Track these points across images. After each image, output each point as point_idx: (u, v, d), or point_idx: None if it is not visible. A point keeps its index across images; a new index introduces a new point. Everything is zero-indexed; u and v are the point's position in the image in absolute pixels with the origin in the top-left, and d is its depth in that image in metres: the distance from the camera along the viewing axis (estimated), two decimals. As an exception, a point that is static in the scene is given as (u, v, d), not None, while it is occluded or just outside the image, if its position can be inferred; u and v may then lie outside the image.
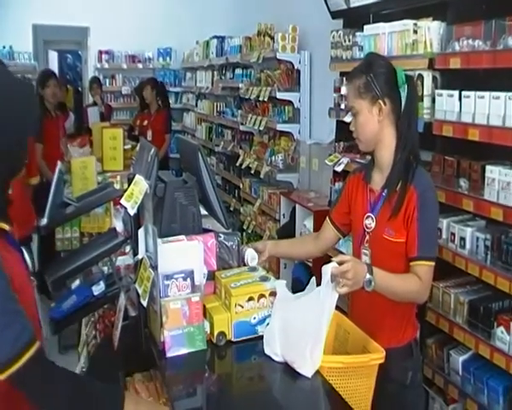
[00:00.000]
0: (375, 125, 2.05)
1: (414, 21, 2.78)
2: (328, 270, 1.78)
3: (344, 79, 3.57)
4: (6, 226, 1.53)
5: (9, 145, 1.51)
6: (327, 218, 2.35)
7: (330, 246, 2.40)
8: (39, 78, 6.03)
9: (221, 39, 7.11)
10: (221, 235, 2.21)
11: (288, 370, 1.77)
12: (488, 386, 2.47)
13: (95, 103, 7.71)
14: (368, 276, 1.84)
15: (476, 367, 2.56)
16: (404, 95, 2.04)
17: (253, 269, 2.15)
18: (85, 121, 7.15)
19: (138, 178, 2.00)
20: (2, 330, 1.38)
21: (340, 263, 1.79)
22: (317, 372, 1.75)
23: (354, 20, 3.60)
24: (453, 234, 2.59)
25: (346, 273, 1.76)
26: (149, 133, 6.83)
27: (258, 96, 5.23)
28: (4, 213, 1.56)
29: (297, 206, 4.35)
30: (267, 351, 1.83)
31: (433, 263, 2.00)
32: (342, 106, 3.53)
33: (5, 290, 1.41)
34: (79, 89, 11.94)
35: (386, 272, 1.94)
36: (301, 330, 1.77)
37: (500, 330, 2.36)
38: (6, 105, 1.50)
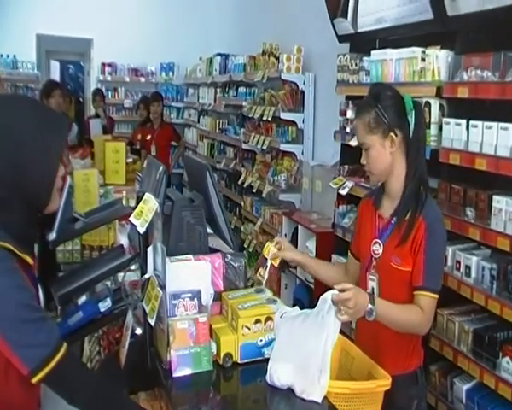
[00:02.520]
0: (388, 158, 2.04)
1: (422, 49, 2.81)
2: (327, 297, 1.78)
3: (350, 102, 3.61)
4: (30, 260, 1.57)
5: (38, 181, 1.55)
6: (349, 253, 2.36)
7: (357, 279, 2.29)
8: (44, 88, 6.04)
9: (225, 57, 7.16)
10: (228, 255, 2.21)
11: (294, 394, 1.76)
12: (493, 416, 2.46)
13: (97, 115, 7.73)
14: (369, 306, 1.83)
15: (481, 397, 2.54)
16: (412, 121, 2.03)
17: (260, 291, 2.15)
18: (87, 133, 7.17)
19: (148, 196, 2.00)
20: (33, 337, 1.47)
21: (342, 291, 1.78)
22: (324, 398, 1.75)
23: (361, 44, 3.62)
24: (458, 262, 2.59)
25: (348, 302, 1.76)
26: (153, 148, 6.84)
27: (261, 116, 5.25)
28: (31, 247, 1.62)
29: (299, 227, 4.35)
30: (271, 381, 1.81)
31: (436, 296, 1.99)
32: (348, 129, 3.55)
33: (30, 301, 1.50)
34: (80, 100, 11.98)
35: (388, 303, 1.93)
36: (307, 357, 1.76)
37: (506, 361, 2.35)
38: (37, 141, 1.53)
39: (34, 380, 1.46)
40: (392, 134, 2.01)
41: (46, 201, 1.60)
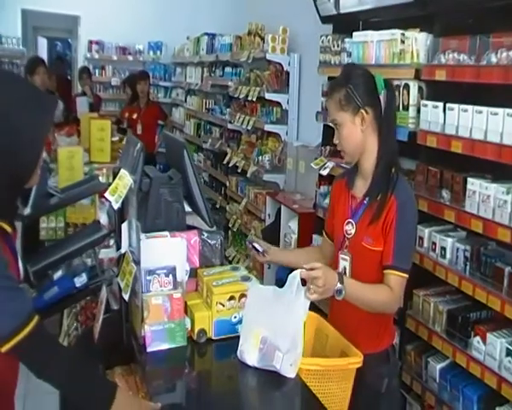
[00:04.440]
0: (359, 136, 2.06)
1: (402, 31, 2.80)
2: (296, 275, 1.80)
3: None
4: (8, 228, 1.60)
5: (24, 161, 1.56)
6: (323, 234, 2.37)
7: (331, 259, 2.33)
8: (28, 64, 5.98)
9: (212, 36, 7.11)
10: (204, 233, 2.23)
11: (267, 370, 1.79)
12: (463, 394, 2.50)
13: (84, 93, 7.67)
14: (339, 285, 1.85)
15: (453, 375, 2.59)
16: (382, 100, 2.05)
17: (236, 268, 2.17)
18: (74, 111, 7.11)
19: (123, 172, 2.01)
20: (4, 304, 1.48)
21: (311, 270, 1.80)
22: (296, 374, 1.78)
23: (344, 25, 3.61)
24: (434, 243, 2.62)
25: (317, 280, 1.78)
26: (139, 127, 6.82)
27: (246, 96, 5.24)
28: (11, 216, 1.64)
29: (282, 207, 4.37)
30: (243, 359, 1.84)
31: (406, 275, 2.01)
32: (330, 110, 3.56)
33: (4, 270, 1.51)
34: (69, 77, 11.85)
35: (357, 282, 1.96)
36: (278, 335, 1.79)
37: (476, 340, 2.39)
38: (26, 122, 1.54)
39: (3, 349, 1.47)
40: (362, 111, 2.03)
41: (29, 177, 1.62)
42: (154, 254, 1.94)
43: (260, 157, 5.12)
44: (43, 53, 11.44)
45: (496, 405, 2.34)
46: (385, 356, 2.16)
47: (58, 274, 2.20)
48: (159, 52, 9.51)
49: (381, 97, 2.05)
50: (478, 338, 2.39)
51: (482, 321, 2.49)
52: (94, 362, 1.90)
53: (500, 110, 2.19)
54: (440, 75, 2.51)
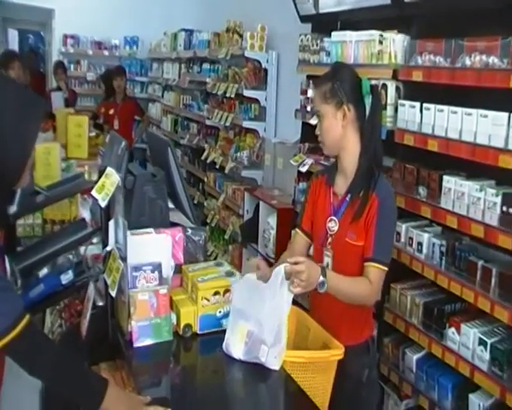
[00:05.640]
0: (339, 130, 2.13)
1: (380, 32, 2.87)
2: (280, 270, 1.85)
3: (311, 82, 3.67)
4: None
5: (14, 164, 1.59)
6: (296, 229, 2.38)
7: (304, 254, 2.35)
8: (2, 58, 5.88)
9: (189, 32, 7.11)
10: (188, 229, 2.26)
11: (251, 363, 1.84)
12: (439, 383, 2.60)
13: (59, 88, 7.59)
14: (321, 278, 1.91)
15: (429, 365, 2.69)
16: (368, 104, 2.13)
17: (220, 264, 2.22)
18: (48, 106, 7.03)
19: (110, 170, 2.03)
20: None
21: (295, 264, 1.85)
22: (280, 366, 1.83)
23: (323, 25, 3.68)
24: (411, 239, 2.71)
25: (300, 274, 1.83)
26: (116, 122, 6.78)
27: (225, 92, 5.28)
28: None
29: (261, 203, 4.42)
30: (229, 352, 1.89)
31: (385, 268, 2.08)
32: (308, 108, 3.61)
33: None
34: (42, 71, 11.69)
35: (338, 275, 2.01)
36: (263, 328, 1.84)
37: (451, 331, 2.49)
38: (16, 126, 1.56)
39: None
40: (344, 107, 2.10)
41: (17, 180, 1.64)
42: (140, 251, 1.97)
43: (238, 153, 5.17)
44: (13, 45, 11.24)
45: (469, 392, 2.44)
46: (365, 347, 2.23)
47: (44, 272, 2.20)
48: (135, 47, 9.45)
49: (367, 101, 2.12)
50: (453, 329, 2.48)
51: (457, 313, 2.58)
52: (80, 358, 1.92)
53: (474, 111, 2.27)
54: (417, 76, 2.58)
